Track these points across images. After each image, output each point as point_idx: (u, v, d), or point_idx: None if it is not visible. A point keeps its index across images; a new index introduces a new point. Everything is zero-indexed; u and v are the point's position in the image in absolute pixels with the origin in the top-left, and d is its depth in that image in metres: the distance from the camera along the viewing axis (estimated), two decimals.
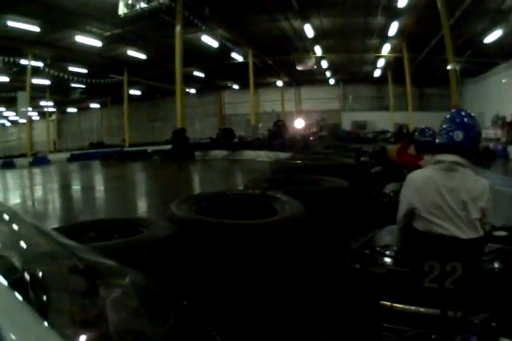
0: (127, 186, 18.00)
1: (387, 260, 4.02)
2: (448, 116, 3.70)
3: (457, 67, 29.49)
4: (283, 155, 19.11)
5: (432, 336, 1.91)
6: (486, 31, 25.21)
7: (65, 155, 36.08)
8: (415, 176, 3.65)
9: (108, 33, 28.41)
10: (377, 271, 3.88)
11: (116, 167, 26.31)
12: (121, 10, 24.01)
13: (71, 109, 60.36)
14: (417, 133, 7.06)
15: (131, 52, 32.51)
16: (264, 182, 6.59)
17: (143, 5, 23.40)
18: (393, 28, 29.46)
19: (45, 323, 1.13)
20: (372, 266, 3.95)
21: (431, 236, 3.43)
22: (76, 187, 19.01)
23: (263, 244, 4.26)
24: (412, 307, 3.56)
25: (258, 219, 4.42)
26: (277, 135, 35.85)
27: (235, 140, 35.78)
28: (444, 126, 3.62)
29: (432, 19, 25.61)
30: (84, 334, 1.25)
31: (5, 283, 1.23)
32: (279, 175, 7.31)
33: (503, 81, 30.21)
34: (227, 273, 4.16)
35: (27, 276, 1.39)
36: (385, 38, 32.84)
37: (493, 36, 25.12)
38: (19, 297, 1.19)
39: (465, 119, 3.61)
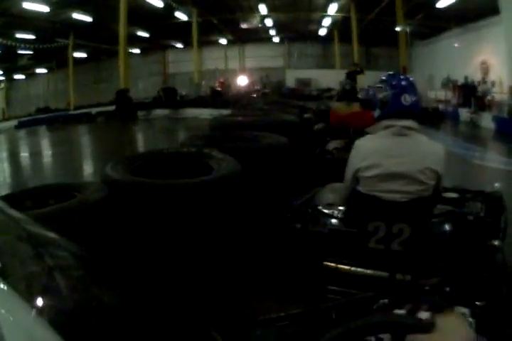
0: (70, 150, 17.68)
1: (330, 219, 3.89)
2: (388, 79, 3.59)
3: (407, 29, 29.73)
4: (225, 112, 19.09)
5: (381, 300, 1.83)
6: None
7: (14, 122, 35.40)
8: (363, 143, 3.58)
9: None
10: (320, 231, 3.78)
11: (61, 131, 25.74)
12: None
13: (19, 76, 59.20)
14: (360, 93, 7.01)
15: (77, 15, 31.76)
16: (202, 140, 6.42)
17: None
18: None
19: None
20: (314, 225, 3.85)
21: (376, 198, 3.38)
22: (24, 154, 18.52)
23: (197, 203, 4.16)
24: (358, 269, 3.50)
25: (192, 178, 4.30)
26: (220, 92, 35.85)
27: (178, 98, 35.54)
28: (388, 90, 3.49)
29: None
30: (45, 298, 1.22)
31: None
32: (217, 132, 7.22)
33: (456, 45, 30.44)
34: (161, 234, 4.06)
35: None
36: None
37: (446, 1, 25.11)
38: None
39: (409, 83, 3.53)
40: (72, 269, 1.57)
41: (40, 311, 1.09)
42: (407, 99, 3.40)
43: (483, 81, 25.00)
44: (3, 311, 1.01)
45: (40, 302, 1.17)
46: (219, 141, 6.21)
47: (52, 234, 1.74)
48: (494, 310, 3.04)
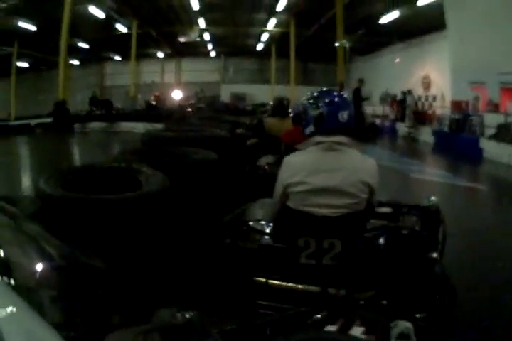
0: (9, 162, 17.19)
1: (259, 235, 3.85)
2: (322, 96, 3.53)
3: (347, 45, 30.02)
4: (159, 126, 19.07)
5: (315, 315, 1.82)
6: (383, 12, 25.49)
7: None
8: (292, 159, 3.51)
9: (4, 5, 27.30)
10: (249, 246, 3.72)
11: (1, 142, 25.34)
12: None
13: None
14: (294, 107, 7.08)
15: (23, 24, 31.20)
16: (133, 155, 6.40)
17: None
18: (282, 4, 28.86)
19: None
20: (243, 241, 3.79)
21: (305, 214, 3.31)
22: None
23: (125, 218, 4.15)
24: (290, 284, 3.41)
25: (119, 194, 4.31)
26: (155, 106, 35.67)
27: (113, 111, 35.13)
28: (322, 106, 3.43)
29: None
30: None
31: None
32: (148, 147, 7.23)
33: (397, 60, 30.98)
34: (92, 249, 4.02)
35: None
36: (272, 13, 32.42)
37: (389, 17, 25.43)
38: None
39: (344, 100, 3.51)
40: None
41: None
42: (344, 116, 3.37)
43: (425, 96, 25.56)
44: (3, 311, 1.05)
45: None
46: (149, 156, 6.20)
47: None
48: (435, 321, 3.03)
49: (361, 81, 22.55)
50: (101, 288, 1.55)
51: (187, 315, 1.62)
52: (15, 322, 1.03)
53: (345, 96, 3.62)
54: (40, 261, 1.40)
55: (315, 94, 3.63)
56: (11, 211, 1.90)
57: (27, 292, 1.16)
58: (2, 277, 1.19)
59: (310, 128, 3.50)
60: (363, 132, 20.11)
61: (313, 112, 3.47)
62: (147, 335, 1.51)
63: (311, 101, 3.54)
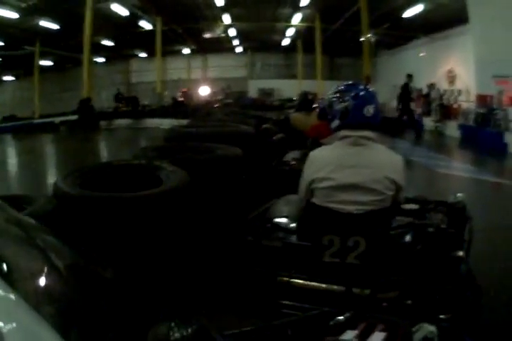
0: (32, 160, 17.45)
1: (284, 233, 3.80)
2: (348, 89, 3.47)
3: (372, 39, 29.92)
4: (186, 122, 19.12)
5: (337, 317, 1.75)
6: (407, 5, 25.41)
7: None
8: (317, 154, 3.48)
9: (24, 4, 27.56)
10: (273, 245, 3.64)
11: (25, 140, 25.52)
12: None
13: None
14: (320, 101, 7.00)
15: (45, 23, 31.44)
16: (155, 151, 6.37)
17: None
18: None
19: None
20: (268, 238, 3.73)
21: (330, 210, 3.25)
22: None
23: (143, 216, 4.09)
24: (313, 284, 3.37)
25: (139, 192, 4.25)
26: (182, 103, 35.94)
27: (139, 108, 35.40)
28: (348, 100, 3.37)
29: None
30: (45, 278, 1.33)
31: None
32: (172, 143, 7.19)
33: (421, 54, 30.76)
34: (111, 248, 3.85)
35: None
36: (297, 8, 32.31)
37: (413, 10, 25.31)
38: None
39: (370, 94, 3.44)
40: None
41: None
42: (370, 110, 3.32)
43: (450, 90, 25.32)
44: (4, 312, 1.04)
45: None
46: (171, 153, 6.14)
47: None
48: (459, 322, 2.97)
49: (410, 76, 22.38)
50: (105, 300, 1.46)
51: (183, 331, 1.54)
52: (15, 323, 1.03)
53: (371, 90, 3.54)
54: (43, 275, 1.35)
55: (341, 87, 3.56)
56: (26, 222, 1.87)
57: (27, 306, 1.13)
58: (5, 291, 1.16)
59: (335, 123, 3.46)
60: (391, 127, 19.99)
61: (338, 106, 3.42)
62: None
63: (336, 95, 3.49)
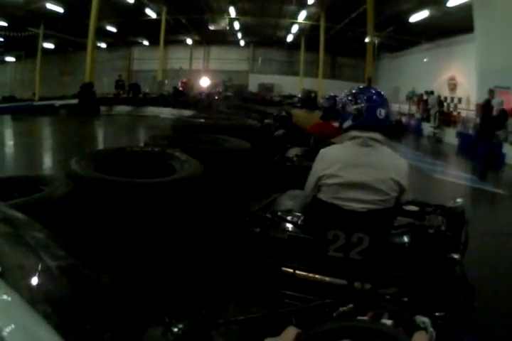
0: (34, 142, 17.40)
1: (289, 225, 3.89)
2: (361, 92, 3.59)
3: (376, 41, 29.90)
4: (186, 112, 18.99)
5: (340, 308, 1.79)
6: (413, 10, 25.43)
7: None
8: (327, 151, 3.57)
9: None
10: (278, 236, 3.77)
11: (25, 121, 25.28)
12: None
13: None
14: (322, 100, 7.08)
15: (50, 5, 31.35)
16: (165, 140, 6.40)
17: None
18: None
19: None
20: (273, 230, 3.84)
21: (336, 207, 3.37)
22: None
23: (158, 203, 4.13)
24: (317, 276, 3.50)
25: (154, 178, 4.30)
26: (182, 92, 35.80)
27: (140, 96, 35.19)
28: (362, 102, 3.47)
29: None
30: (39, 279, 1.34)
31: None
32: (180, 133, 7.20)
33: (424, 60, 30.85)
34: (121, 232, 4.00)
35: None
36: (303, 5, 32.45)
37: (419, 16, 25.35)
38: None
39: (383, 97, 3.55)
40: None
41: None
42: (382, 113, 3.41)
43: (451, 97, 25.39)
44: (3, 312, 1.07)
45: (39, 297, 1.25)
46: (182, 142, 6.18)
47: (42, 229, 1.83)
48: (453, 320, 3.11)
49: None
50: (99, 304, 1.56)
51: (179, 332, 1.64)
52: (15, 323, 1.06)
53: (383, 93, 3.64)
54: (34, 276, 1.38)
55: (354, 89, 3.67)
56: (15, 217, 1.89)
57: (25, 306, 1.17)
58: None
59: (347, 123, 3.56)
60: (390, 129, 20.01)
61: (352, 107, 3.52)
62: None
63: (350, 97, 3.58)
